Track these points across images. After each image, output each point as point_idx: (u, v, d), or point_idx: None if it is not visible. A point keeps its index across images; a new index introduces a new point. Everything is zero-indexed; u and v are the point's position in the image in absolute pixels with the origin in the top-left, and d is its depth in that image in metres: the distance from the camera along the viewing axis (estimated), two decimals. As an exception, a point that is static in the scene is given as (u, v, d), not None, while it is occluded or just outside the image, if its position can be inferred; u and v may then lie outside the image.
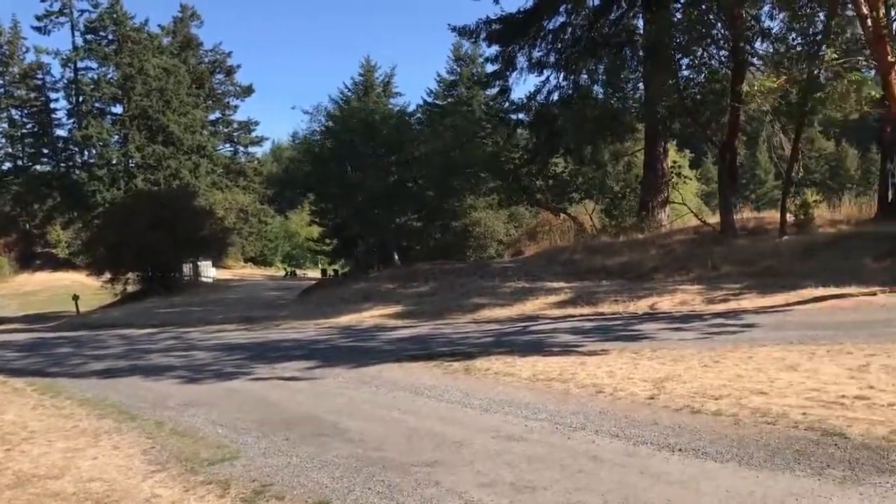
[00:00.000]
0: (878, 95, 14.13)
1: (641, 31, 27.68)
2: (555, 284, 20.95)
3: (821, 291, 15.29)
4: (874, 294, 14.39)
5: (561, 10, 29.85)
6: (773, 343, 10.49)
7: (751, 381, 8.16)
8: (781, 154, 28.90)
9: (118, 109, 67.45)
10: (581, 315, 16.53)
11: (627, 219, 29.86)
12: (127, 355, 15.97)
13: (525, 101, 32.24)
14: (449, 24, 32.11)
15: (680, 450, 6.11)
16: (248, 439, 7.51)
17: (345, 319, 20.54)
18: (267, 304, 29.69)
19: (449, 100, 55.31)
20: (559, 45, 30.29)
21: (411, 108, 49.25)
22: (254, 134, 79.01)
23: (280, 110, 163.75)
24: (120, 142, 66.85)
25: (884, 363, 8.52)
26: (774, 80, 15.03)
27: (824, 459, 5.58)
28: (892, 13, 15.14)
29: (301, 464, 6.52)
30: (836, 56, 14.85)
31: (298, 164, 50.11)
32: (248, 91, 77.69)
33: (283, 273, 65.97)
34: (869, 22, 13.56)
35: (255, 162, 79.63)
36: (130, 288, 40.66)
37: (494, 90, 35.39)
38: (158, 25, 71.02)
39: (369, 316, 20.56)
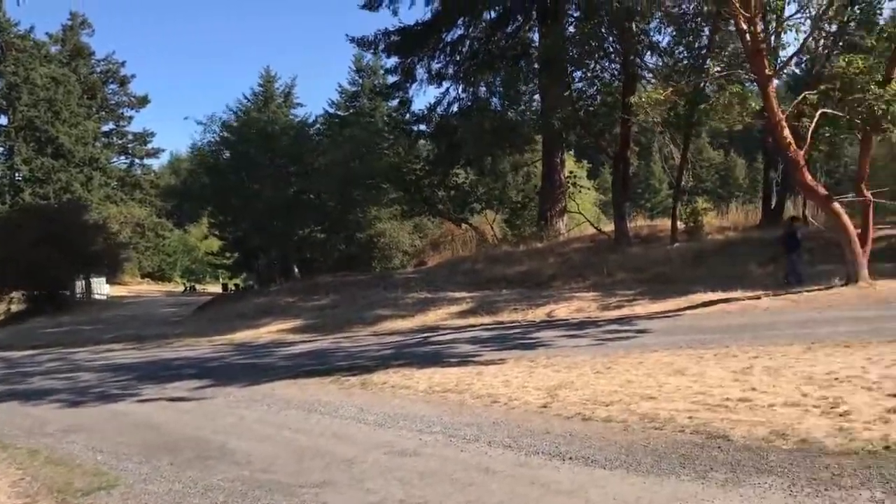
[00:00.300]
0: (758, 107, 14.80)
1: (537, 44, 28.18)
2: (457, 294, 21.00)
3: (709, 296, 15.86)
4: (759, 298, 15.02)
5: (459, 22, 30.11)
6: (663, 348, 10.75)
7: (641, 387, 8.31)
8: (673, 164, 29.96)
9: (3, 121, 63.78)
10: (481, 324, 16.59)
11: (527, 228, 30.31)
12: (5, 379, 14.98)
13: (426, 112, 32.39)
14: (347, 35, 31.84)
15: (570, 458, 6.12)
16: (129, 465, 7.10)
17: (241, 336, 19.96)
18: (161, 321, 28.58)
19: (351, 111, 54.94)
20: (458, 58, 30.53)
21: (312, 119, 48.66)
22: (150, 145, 75.97)
23: (178, 121, 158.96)
24: (5, 154, 63.20)
25: (766, 365, 8.83)
26: (661, 92, 15.54)
27: (708, 462, 5.68)
28: (771, 27, 15.84)
29: (183, 490, 6.19)
30: (718, 69, 15.47)
31: (196, 176, 48.62)
32: (143, 101, 74.79)
33: (182, 288, 63.85)
34: (748, 36, 14.20)
35: (152, 174, 76.67)
36: (15, 307, 38.44)
37: (395, 101, 35.38)
38: (46, 33, 67.47)
39: (267, 331, 20.07)
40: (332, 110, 56.21)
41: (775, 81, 15.69)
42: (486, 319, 17.26)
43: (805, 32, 14.62)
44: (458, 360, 11.63)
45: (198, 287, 61.97)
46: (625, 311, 15.84)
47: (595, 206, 51.57)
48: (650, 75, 25.47)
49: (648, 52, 25.38)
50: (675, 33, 22.72)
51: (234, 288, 46.64)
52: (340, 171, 33.28)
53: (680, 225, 23.69)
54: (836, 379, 7.79)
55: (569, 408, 7.73)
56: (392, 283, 24.84)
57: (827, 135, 14.87)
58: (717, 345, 10.54)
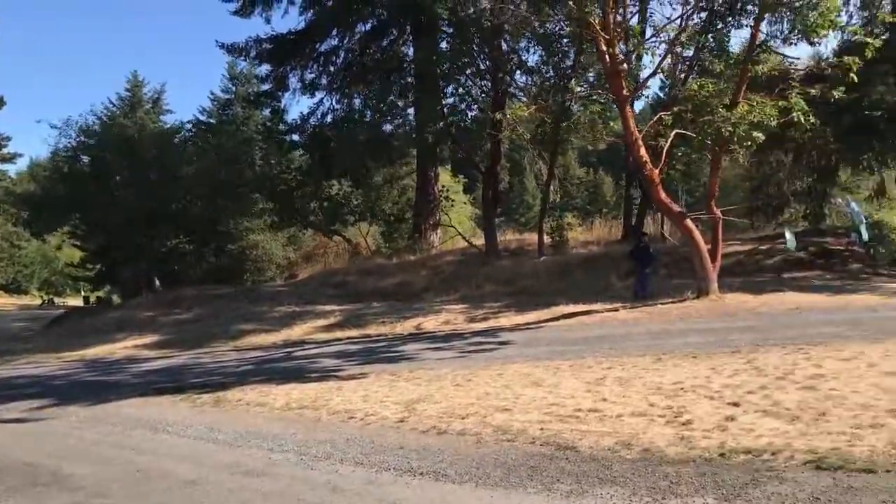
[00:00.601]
0: (617, 126, 15.35)
1: (411, 58, 28.26)
2: (326, 308, 20.64)
3: (571, 308, 16.27)
4: (617, 310, 15.52)
5: (333, 33, 29.80)
6: (523, 360, 10.87)
7: (497, 399, 8.33)
8: (544, 180, 30.68)
9: None
10: (348, 338, 16.33)
11: (401, 241, 30.27)
12: None
13: (299, 122, 31.79)
14: (217, 41, 30.83)
15: (421, 473, 6.02)
16: (-59, 496, 6.45)
17: (94, 351, 18.82)
18: (9, 337, 26.63)
19: (224, 119, 53.24)
20: (331, 69, 30.20)
21: (180, 127, 46.74)
22: (5, 150, 71.18)
23: (43, 126, 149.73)
24: None
25: (618, 375, 9.07)
26: (526, 109, 15.88)
27: (555, 474, 5.71)
28: (629, 48, 16.47)
29: (1, 522, 5.67)
30: (580, 88, 15.96)
31: (53, 183, 45.71)
32: (-2, 103, 69.96)
33: (39, 302, 59.93)
34: (607, 58, 14.73)
35: (8, 180, 71.75)
36: None
37: (267, 110, 34.55)
38: None
39: (122, 347, 19.02)
40: (202, 118, 54.36)
41: (636, 102, 16.39)
42: (354, 333, 17.02)
43: (660, 56, 15.36)
44: (319, 375, 11.35)
45: (57, 300, 58.34)
46: (491, 324, 16.00)
47: (471, 220, 52.19)
48: (521, 93, 26.04)
49: (518, 71, 26.00)
50: (543, 53, 23.31)
51: (95, 301, 44.04)
52: (208, 180, 32.16)
53: (547, 239, 24.26)
54: (682, 389, 8.06)
55: (425, 422, 7.65)
56: (259, 297, 24.18)
57: (680, 154, 15.56)
58: (575, 356, 10.75)
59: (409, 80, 28.14)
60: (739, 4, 15.58)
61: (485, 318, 16.64)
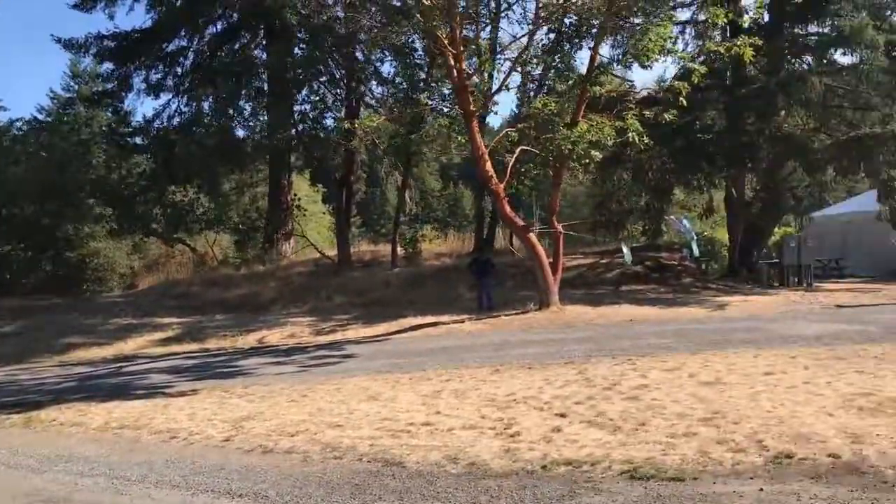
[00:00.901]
0: (464, 140, 15.54)
1: (264, 63, 27.49)
2: (165, 320, 19.63)
3: (419, 320, 16.26)
4: (463, 322, 15.66)
5: (181, 33, 28.56)
6: (364, 373, 10.71)
7: (330, 415, 8.11)
8: (414, 193, 30.75)
9: None
10: (186, 352, 15.54)
11: (251, 251, 29.32)
12: None
13: (143, 124, 30.20)
14: (53, 35, 28.79)
15: (241, 495, 5.72)
16: None
17: None
18: None
19: (65, 118, 49.85)
20: (179, 70, 28.92)
21: (9, 124, 43.32)
22: None
23: None
24: None
25: (455, 388, 9.07)
26: (374, 119, 15.80)
27: (378, 491, 5.57)
28: (480, 64, 16.72)
29: None
30: (429, 101, 16.05)
31: None
32: None
33: None
34: (455, 72, 14.89)
35: None
36: None
37: (108, 111, 32.63)
38: None
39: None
40: (41, 116, 50.76)
41: (492, 117, 16.64)
42: (193, 347, 16.24)
43: (505, 73, 15.72)
44: (147, 392, 10.70)
45: None
46: (337, 336, 15.72)
47: (330, 230, 51.43)
48: (377, 103, 25.92)
49: (374, 81, 25.91)
50: (398, 65, 23.35)
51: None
52: (37, 182, 29.84)
53: (400, 251, 24.25)
54: (515, 400, 8.15)
55: (252, 440, 7.32)
56: (94, 308, 22.74)
57: (524, 170, 15.95)
58: (416, 369, 10.70)
59: (262, 84, 27.40)
60: (585, 27, 16.15)
61: (332, 331, 16.34)
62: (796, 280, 21.03)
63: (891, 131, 18.19)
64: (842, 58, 20.59)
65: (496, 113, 31.59)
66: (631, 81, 21.72)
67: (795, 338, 11.56)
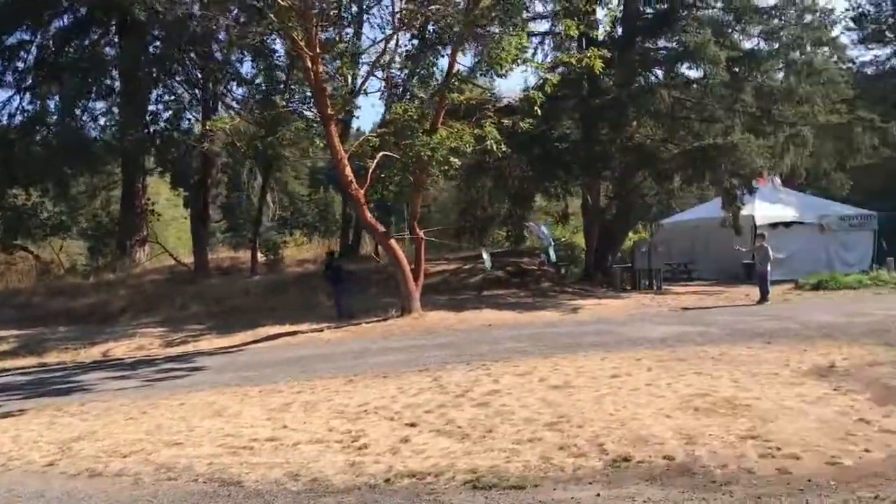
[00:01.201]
0: (321, 144, 15.25)
1: (115, 60, 26.03)
2: (1, 333, 18.16)
3: (277, 329, 15.80)
4: (322, 330, 15.34)
5: (24, 25, 26.61)
6: (212, 386, 10.24)
7: (169, 432, 7.66)
8: (274, 197, 29.92)
9: None
10: (20, 368, 14.39)
11: (102, 258, 27.66)
12: None
13: (-23, 122, 27.85)
14: None
15: (58, 527, 5.26)
16: None
17: None
18: None
19: None
20: (20, 65, 26.93)
21: None
22: None
23: None
24: None
25: (307, 400, 8.80)
26: (226, 120, 15.25)
27: (211, 514, 5.27)
28: (342, 67, 16.44)
29: None
30: (288, 103, 15.65)
31: None
32: None
33: None
34: (312, 75, 14.58)
35: None
36: None
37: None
38: None
39: None
40: None
41: (364, 123, 16.41)
42: (30, 361, 15.06)
43: (362, 77, 15.56)
44: (-35, 414, 9.78)
45: None
46: (189, 348, 15.02)
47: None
48: (237, 105, 25.08)
49: (234, 82, 25.07)
50: (259, 66, 22.73)
51: None
52: None
53: (261, 257, 23.58)
54: (366, 411, 7.98)
55: (79, 463, 6.79)
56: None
57: (383, 176, 15.81)
58: (268, 380, 10.33)
59: (113, 83, 25.93)
60: (448, 35, 16.21)
61: (184, 342, 15.60)
62: (647, 283, 21.99)
63: (731, 142, 19.27)
64: (689, 71, 21.74)
65: (357, 117, 31.29)
66: (493, 91, 22.03)
67: (642, 340, 12.01)
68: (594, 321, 15.29)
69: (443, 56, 17.06)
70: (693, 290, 20.95)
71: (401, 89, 20.19)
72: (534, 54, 21.92)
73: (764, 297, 17.44)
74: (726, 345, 11.00)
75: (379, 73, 16.05)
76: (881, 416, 6.58)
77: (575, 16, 15.87)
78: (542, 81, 16.61)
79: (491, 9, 13.71)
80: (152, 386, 10.88)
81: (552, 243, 21.88)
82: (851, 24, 36.23)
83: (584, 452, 5.98)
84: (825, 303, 16.88)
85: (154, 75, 22.78)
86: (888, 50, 36.25)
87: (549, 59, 22.25)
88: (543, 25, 22.52)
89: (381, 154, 15.74)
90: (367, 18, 17.35)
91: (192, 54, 22.38)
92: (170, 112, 23.35)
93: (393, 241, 16.52)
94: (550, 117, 19.78)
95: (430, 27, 16.45)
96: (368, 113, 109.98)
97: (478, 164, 20.73)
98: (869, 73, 36.27)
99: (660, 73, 22.77)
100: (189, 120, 23.49)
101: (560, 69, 19.50)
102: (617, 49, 20.76)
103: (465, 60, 16.80)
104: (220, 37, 21.51)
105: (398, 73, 17.55)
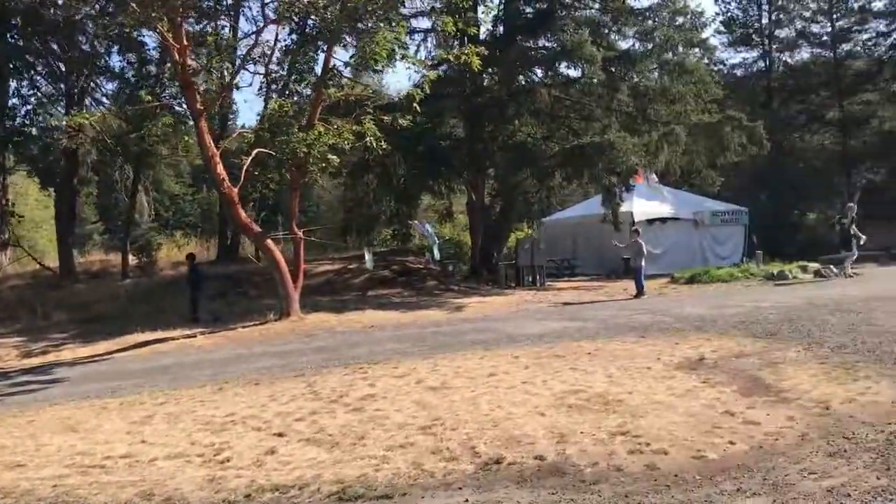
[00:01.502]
0: (191, 140, 14.55)
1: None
2: None
3: (147, 336, 14.95)
4: (195, 336, 14.60)
5: None
6: (69, 400, 9.50)
7: (13, 453, 6.99)
8: (156, 196, 28.52)
9: None
10: None
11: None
12: None
13: None
14: None
15: None
16: None
17: None
18: None
19: None
20: None
21: None
22: None
23: None
24: None
25: (169, 411, 8.27)
26: (85, 116, 14.32)
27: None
28: (213, 61, 15.75)
29: None
30: (150, 98, 14.86)
31: None
32: None
33: None
34: (179, 68, 13.87)
35: None
36: None
37: None
38: None
39: None
40: None
41: (247, 119, 15.76)
42: None
43: (230, 73, 14.92)
44: None
45: None
46: (49, 358, 13.97)
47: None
48: (109, 100, 23.75)
49: (103, 76, 23.73)
50: (126, 58, 21.63)
51: None
52: None
53: (132, 260, 22.41)
54: (233, 421, 7.55)
55: None
56: None
57: (258, 173, 15.25)
58: (131, 391, 9.68)
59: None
60: (328, 30, 15.78)
61: (44, 352, 14.51)
62: (531, 280, 22.28)
63: (608, 141, 19.75)
64: (568, 71, 22.16)
65: (234, 114, 30.33)
66: (377, 88, 21.77)
67: (522, 337, 12.04)
68: (477, 319, 15.28)
69: (322, 51, 16.64)
70: (574, 286, 21.37)
71: (279, 85, 19.65)
72: (416, 51, 21.83)
73: (640, 292, 17.94)
74: (602, 340, 11.16)
75: (253, 68, 15.49)
76: (745, 407, 6.73)
77: (454, 13, 15.76)
78: (423, 78, 16.45)
79: (367, 3, 13.40)
80: (2, 402, 10.00)
81: (437, 241, 21.85)
82: (721, 28, 38.08)
83: (457, 456, 5.82)
84: (698, 296, 17.51)
85: (12, 66, 21.17)
86: (755, 53, 38.28)
87: (432, 55, 22.19)
88: (426, 23, 22.45)
89: (255, 151, 15.15)
90: (242, 11, 16.67)
91: (55, 45, 20.94)
92: (29, 107, 21.79)
93: (270, 242, 15.97)
94: (434, 115, 19.70)
95: (309, 22, 16.01)
96: (252, 110, 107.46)
97: (362, 161, 20.41)
98: (738, 74, 38.24)
99: (540, 72, 23.13)
100: (51, 115, 21.95)
101: (443, 67, 19.46)
102: (499, 48, 20.91)
103: (346, 56, 16.52)
104: (89, 27, 20.31)
105: (277, 68, 17.03)
